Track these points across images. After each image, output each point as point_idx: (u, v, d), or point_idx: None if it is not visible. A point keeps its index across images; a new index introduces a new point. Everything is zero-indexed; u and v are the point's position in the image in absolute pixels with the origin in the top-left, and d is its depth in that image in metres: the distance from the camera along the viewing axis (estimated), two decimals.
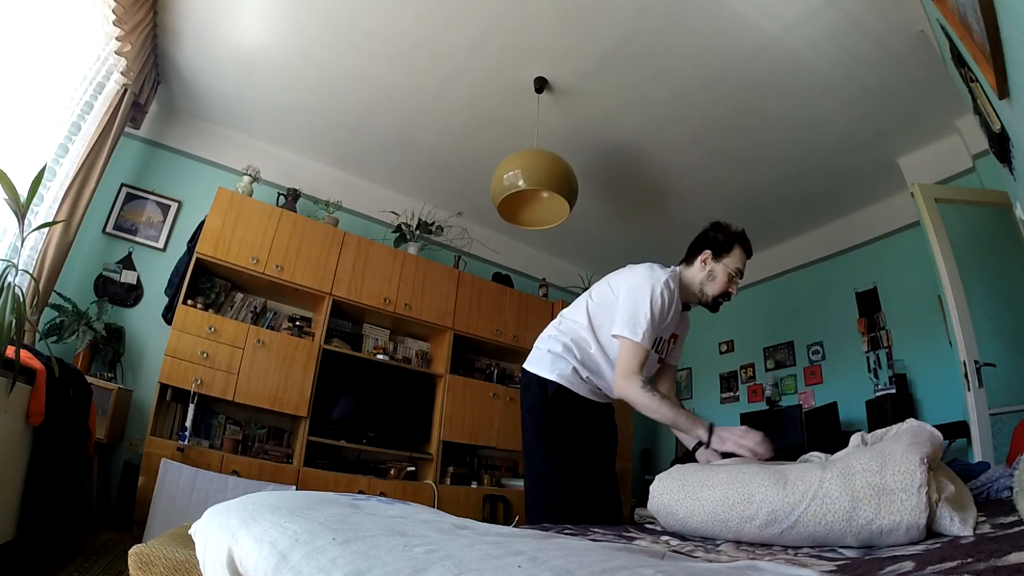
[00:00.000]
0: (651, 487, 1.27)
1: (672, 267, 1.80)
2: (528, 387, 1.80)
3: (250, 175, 3.51)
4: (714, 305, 1.78)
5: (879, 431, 1.22)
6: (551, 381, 1.74)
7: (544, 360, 1.78)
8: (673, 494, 1.21)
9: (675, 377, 1.95)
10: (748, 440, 1.47)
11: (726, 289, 1.75)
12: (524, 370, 1.85)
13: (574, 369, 1.74)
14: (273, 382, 3.15)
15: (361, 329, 3.88)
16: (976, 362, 2.46)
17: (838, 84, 2.92)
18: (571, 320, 1.82)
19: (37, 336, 2.63)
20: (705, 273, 1.76)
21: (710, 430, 1.55)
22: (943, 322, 2.93)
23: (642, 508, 2.49)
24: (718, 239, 1.77)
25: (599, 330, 1.74)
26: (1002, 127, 1.65)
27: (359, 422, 3.48)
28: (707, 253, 1.77)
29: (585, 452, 1.77)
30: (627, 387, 1.61)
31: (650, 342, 1.63)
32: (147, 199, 3.47)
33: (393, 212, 4.15)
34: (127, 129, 3.17)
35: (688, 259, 1.81)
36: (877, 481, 0.90)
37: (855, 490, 0.92)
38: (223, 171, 3.73)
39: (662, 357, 1.82)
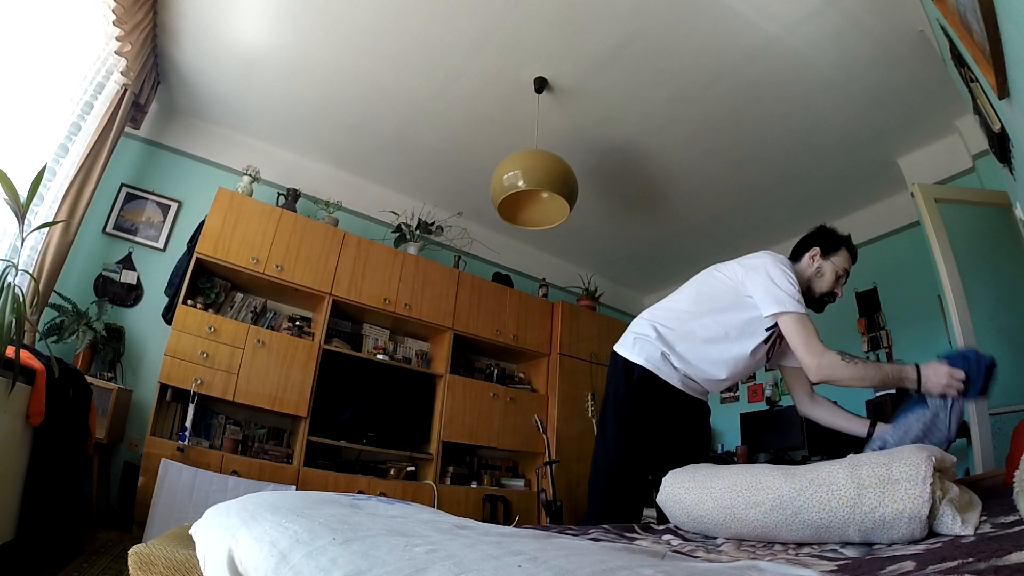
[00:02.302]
0: (663, 480, 1.30)
1: None
2: (615, 369, 1.76)
3: (250, 175, 3.51)
4: (819, 304, 1.75)
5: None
6: (637, 365, 1.68)
7: (632, 343, 1.74)
8: (684, 483, 1.25)
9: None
10: (955, 381, 1.35)
11: (833, 288, 1.73)
12: (613, 351, 1.80)
13: (663, 354, 1.67)
14: (273, 382, 3.14)
15: (361, 329, 3.88)
16: None
17: (838, 84, 2.92)
18: (668, 308, 1.77)
19: (37, 336, 2.63)
20: (814, 269, 1.74)
21: (918, 372, 1.41)
22: (943, 322, 2.93)
23: (647, 508, 2.46)
24: (826, 238, 1.77)
25: (703, 315, 1.67)
26: (1002, 127, 1.65)
27: (359, 422, 3.48)
28: (816, 250, 1.76)
29: (667, 451, 1.65)
30: (826, 364, 1.47)
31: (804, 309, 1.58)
32: (147, 199, 3.47)
33: (393, 212, 4.15)
34: (127, 129, 3.17)
35: (795, 256, 1.80)
36: (883, 472, 0.92)
37: (861, 479, 0.93)
38: (223, 171, 3.73)
39: (769, 357, 1.74)
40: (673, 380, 1.67)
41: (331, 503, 0.94)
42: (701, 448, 1.82)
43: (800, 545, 1.02)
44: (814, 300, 1.74)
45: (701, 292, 1.74)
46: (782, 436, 3.76)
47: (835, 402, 1.81)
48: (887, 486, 0.90)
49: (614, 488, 1.66)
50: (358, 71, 3.16)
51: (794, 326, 1.53)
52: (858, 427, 1.63)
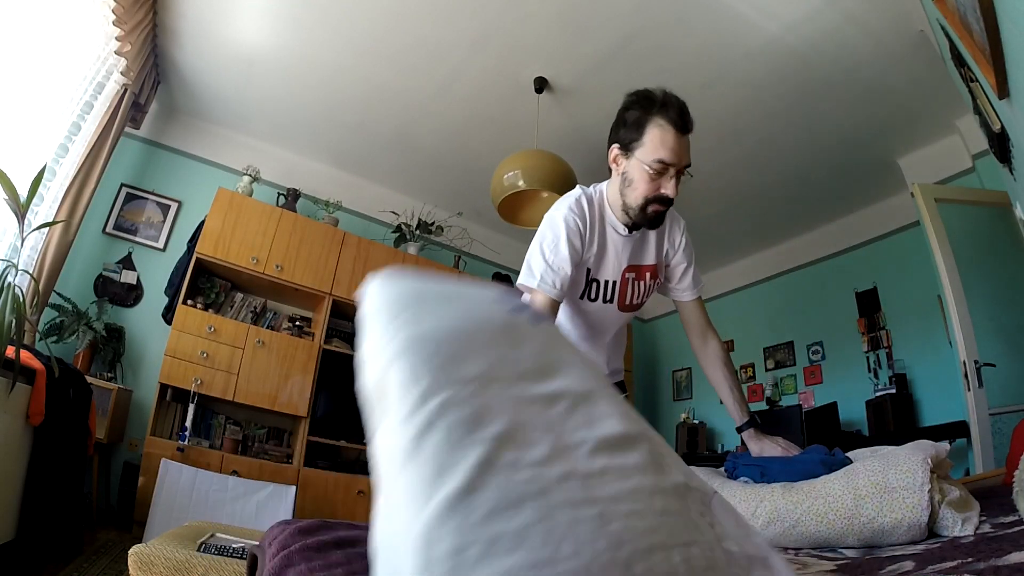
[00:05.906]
0: None
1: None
2: None
3: (250, 175, 3.51)
4: (644, 217, 1.30)
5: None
6: None
7: None
8: None
9: (702, 312, 1.51)
10: None
11: (653, 193, 1.25)
12: None
13: None
14: (273, 382, 3.14)
15: None
16: (976, 362, 2.46)
17: (838, 84, 2.92)
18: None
19: (37, 336, 2.63)
20: (620, 178, 1.29)
21: None
22: (943, 322, 2.93)
23: None
24: (623, 125, 1.26)
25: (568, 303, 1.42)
26: (1002, 127, 1.65)
27: (359, 422, 3.46)
28: (614, 150, 1.29)
29: None
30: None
31: (553, 281, 1.26)
32: (147, 199, 3.47)
33: (393, 212, 4.15)
34: (127, 129, 3.17)
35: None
36: (880, 480, 0.91)
37: (858, 489, 0.92)
38: (223, 171, 3.73)
39: (631, 303, 1.43)
40: None
41: None
42: None
43: (801, 545, 1.01)
44: (639, 217, 1.30)
45: None
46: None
47: (729, 358, 1.50)
48: (884, 495, 0.88)
49: None
50: (358, 71, 3.16)
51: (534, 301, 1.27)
52: (733, 413, 1.42)
